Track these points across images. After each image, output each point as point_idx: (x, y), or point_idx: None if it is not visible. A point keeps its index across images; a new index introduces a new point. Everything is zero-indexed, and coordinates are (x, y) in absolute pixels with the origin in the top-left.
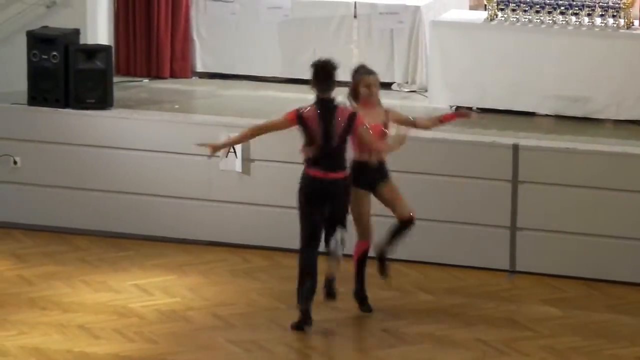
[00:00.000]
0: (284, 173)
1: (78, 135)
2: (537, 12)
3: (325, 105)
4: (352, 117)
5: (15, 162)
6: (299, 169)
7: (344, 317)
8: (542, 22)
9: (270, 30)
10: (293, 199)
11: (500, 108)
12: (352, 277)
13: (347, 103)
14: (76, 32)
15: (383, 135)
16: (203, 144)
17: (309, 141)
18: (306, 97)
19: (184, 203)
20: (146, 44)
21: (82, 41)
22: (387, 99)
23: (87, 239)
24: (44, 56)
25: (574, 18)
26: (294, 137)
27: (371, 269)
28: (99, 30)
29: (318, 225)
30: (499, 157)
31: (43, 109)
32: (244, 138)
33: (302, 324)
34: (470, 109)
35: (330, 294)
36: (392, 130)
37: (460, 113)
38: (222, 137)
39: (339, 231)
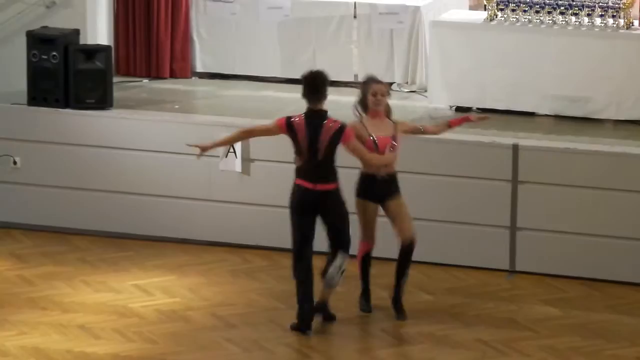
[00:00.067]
0: (284, 173)
1: (78, 136)
2: (537, 12)
3: (313, 118)
4: (340, 131)
5: (15, 162)
6: None
7: (344, 317)
8: (541, 22)
9: (270, 30)
10: None
11: (500, 108)
12: (352, 277)
13: (355, 112)
14: (76, 32)
15: (393, 149)
16: (192, 145)
17: (297, 151)
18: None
19: (184, 203)
20: (146, 44)
21: (82, 41)
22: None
23: (87, 239)
24: (43, 56)
25: (573, 18)
26: None
27: (372, 270)
28: (99, 30)
29: (308, 235)
30: (498, 157)
31: (43, 109)
32: (233, 140)
33: (303, 328)
34: (470, 109)
35: (327, 317)
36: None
37: (468, 118)
38: (219, 138)
39: (339, 257)
